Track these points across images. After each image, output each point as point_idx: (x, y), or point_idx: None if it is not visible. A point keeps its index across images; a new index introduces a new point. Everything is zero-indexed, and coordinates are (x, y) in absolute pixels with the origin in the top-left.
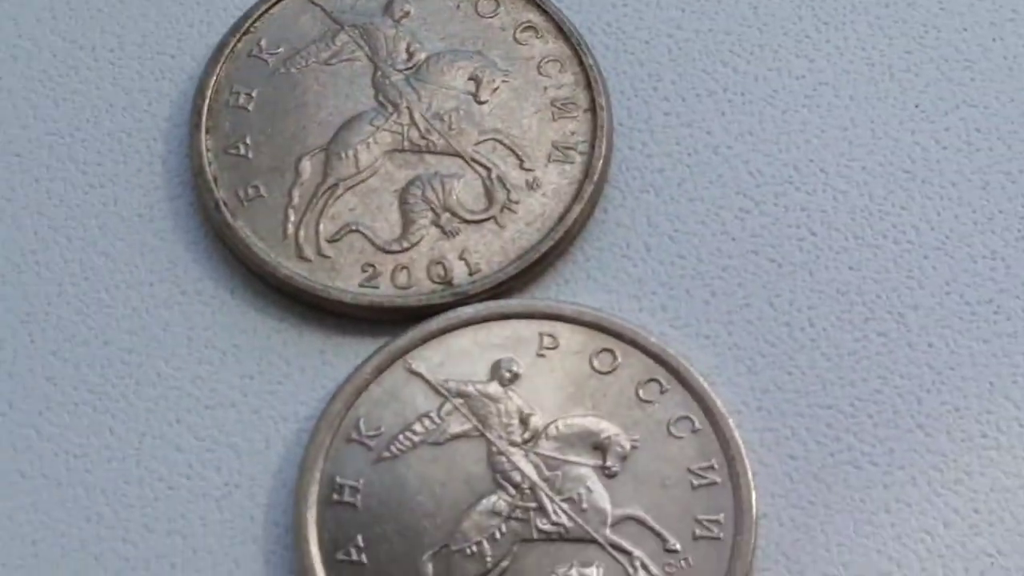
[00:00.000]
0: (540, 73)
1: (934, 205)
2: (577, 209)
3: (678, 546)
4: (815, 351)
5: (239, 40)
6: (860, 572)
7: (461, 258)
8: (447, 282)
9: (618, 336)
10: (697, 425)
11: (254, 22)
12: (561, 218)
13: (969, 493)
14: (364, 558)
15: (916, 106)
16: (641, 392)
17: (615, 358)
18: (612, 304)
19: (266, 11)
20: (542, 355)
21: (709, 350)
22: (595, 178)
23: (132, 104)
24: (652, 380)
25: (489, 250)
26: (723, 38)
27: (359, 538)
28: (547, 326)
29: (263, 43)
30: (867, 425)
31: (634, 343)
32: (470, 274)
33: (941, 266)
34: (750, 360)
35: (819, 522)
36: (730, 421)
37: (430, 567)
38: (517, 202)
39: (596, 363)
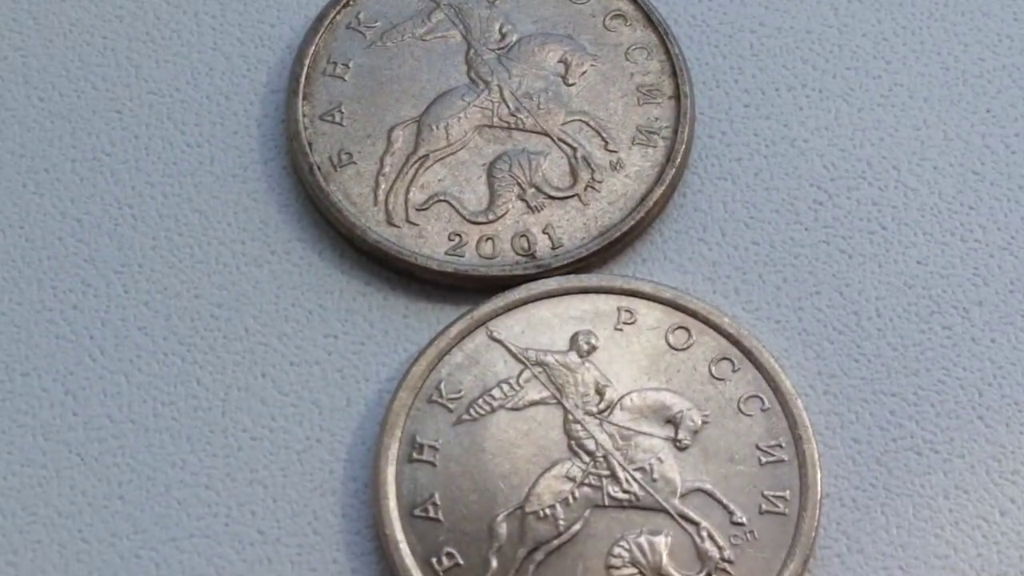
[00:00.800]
0: (627, 59)
1: (1001, 206)
2: (658, 191)
3: (744, 519)
4: (881, 340)
5: (339, 12)
6: (917, 554)
7: (544, 232)
8: (530, 254)
9: (693, 315)
10: (766, 404)
11: None
12: (643, 199)
13: None
14: (440, 515)
15: (987, 111)
16: (714, 370)
17: (690, 336)
18: (687, 285)
19: None
20: (620, 329)
21: (780, 334)
22: (676, 162)
23: (231, 69)
24: (725, 359)
25: (572, 226)
26: (804, 36)
27: (436, 496)
28: (625, 301)
29: (361, 16)
30: (929, 414)
31: (709, 322)
32: (552, 248)
33: (1006, 265)
34: (818, 345)
35: (879, 504)
36: (798, 402)
37: (504, 527)
38: (601, 181)
39: (671, 339)
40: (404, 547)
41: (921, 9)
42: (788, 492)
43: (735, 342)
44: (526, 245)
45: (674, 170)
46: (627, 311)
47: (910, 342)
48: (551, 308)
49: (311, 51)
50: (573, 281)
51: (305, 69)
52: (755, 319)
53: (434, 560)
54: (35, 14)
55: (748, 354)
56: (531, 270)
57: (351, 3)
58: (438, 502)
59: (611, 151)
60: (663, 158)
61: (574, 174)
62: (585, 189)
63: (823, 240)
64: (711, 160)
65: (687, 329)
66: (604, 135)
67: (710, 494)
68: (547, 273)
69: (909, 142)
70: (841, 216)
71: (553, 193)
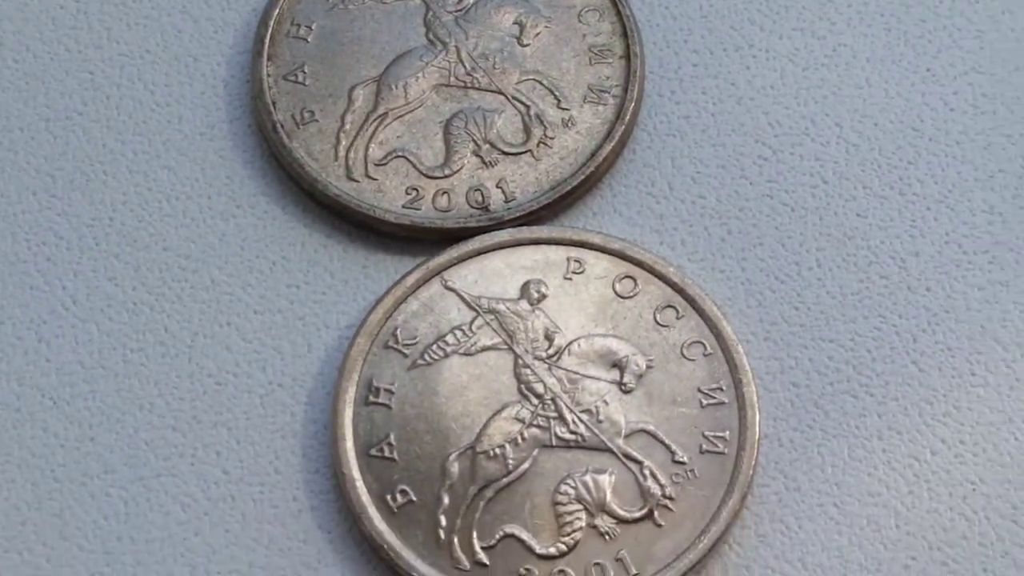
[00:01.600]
0: (580, 21)
1: (939, 161)
2: (608, 147)
3: (685, 458)
4: (821, 289)
5: None
6: (851, 492)
7: (498, 186)
8: (484, 207)
9: (640, 264)
10: (708, 350)
11: None
12: (592, 155)
13: (956, 425)
14: (395, 455)
15: (927, 70)
16: (658, 317)
17: (636, 284)
18: (636, 237)
19: None
20: (569, 279)
21: (723, 283)
22: (626, 120)
23: (199, 31)
24: (669, 306)
25: (524, 180)
26: None
27: (391, 436)
28: (575, 252)
29: None
30: (865, 359)
31: (654, 272)
32: (506, 201)
33: (942, 217)
34: (760, 294)
35: (816, 445)
36: (739, 348)
37: (456, 466)
38: (553, 138)
39: (618, 288)
40: (360, 485)
41: None
42: (727, 433)
43: (679, 290)
44: (480, 199)
45: (623, 127)
46: (576, 261)
47: (848, 291)
48: (503, 258)
49: (275, 13)
50: (524, 233)
51: (269, 31)
52: (700, 269)
53: (388, 497)
54: None
55: (692, 302)
56: (485, 222)
57: None
58: (393, 442)
59: (563, 109)
60: (613, 115)
61: (527, 131)
62: (538, 145)
63: (767, 194)
64: (660, 118)
65: (633, 278)
66: (556, 93)
67: (653, 435)
68: (500, 225)
69: (851, 100)
70: (784, 171)
71: (507, 149)
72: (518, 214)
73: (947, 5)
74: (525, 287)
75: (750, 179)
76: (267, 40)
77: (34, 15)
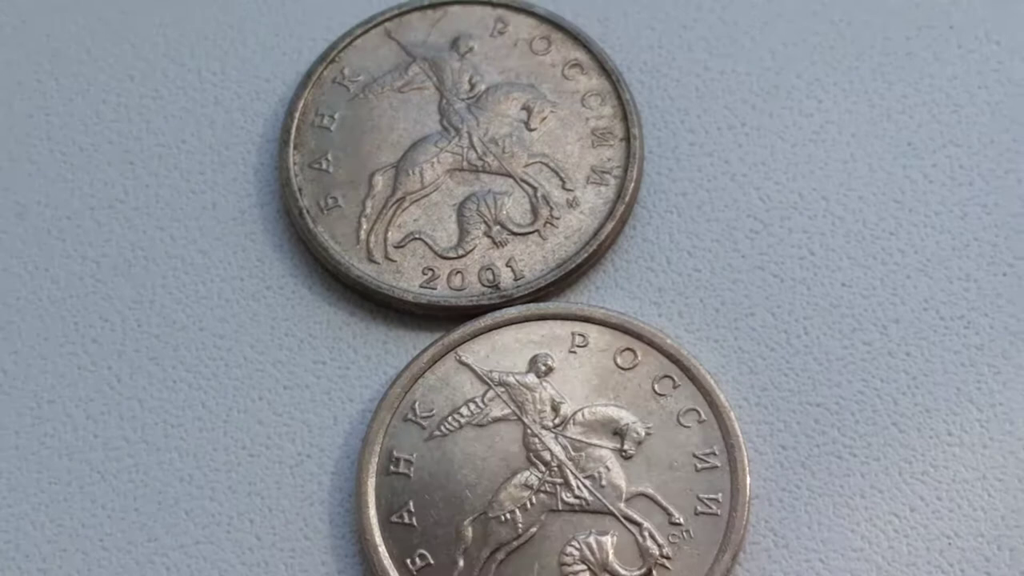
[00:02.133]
0: (583, 105)
1: (919, 232)
2: (609, 226)
3: (681, 520)
4: (808, 356)
5: (325, 68)
6: (836, 547)
7: (508, 265)
8: (495, 286)
9: (639, 337)
10: (703, 417)
11: (339, 52)
12: (595, 233)
13: (933, 483)
14: (414, 521)
15: (908, 144)
16: (656, 386)
17: (636, 356)
18: (636, 309)
19: (349, 43)
20: (573, 352)
21: (717, 352)
22: (627, 199)
23: (231, 121)
24: (666, 376)
25: (532, 259)
26: (744, 79)
27: (411, 504)
28: (578, 327)
29: (346, 71)
30: (849, 421)
31: (652, 343)
32: (515, 279)
33: (921, 285)
34: (752, 361)
35: (803, 504)
36: (732, 414)
37: (470, 530)
38: (558, 218)
39: (619, 360)
40: (382, 550)
41: (850, 51)
42: (720, 495)
43: (676, 361)
44: (491, 277)
45: (624, 206)
46: (580, 335)
47: (834, 357)
48: (512, 334)
49: (300, 104)
50: (532, 309)
51: (295, 121)
52: (696, 339)
53: (408, 561)
54: (57, 76)
55: (687, 372)
56: (496, 300)
57: (336, 59)
58: (412, 509)
59: (568, 190)
60: (614, 195)
61: (535, 212)
62: (544, 225)
63: (758, 266)
64: (658, 195)
65: (633, 350)
66: (562, 175)
67: (651, 498)
68: (510, 302)
69: (837, 174)
70: (774, 243)
71: (516, 229)
72: (526, 291)
73: (927, 82)
74: (533, 361)
75: (742, 252)
76: (293, 130)
77: (79, 109)
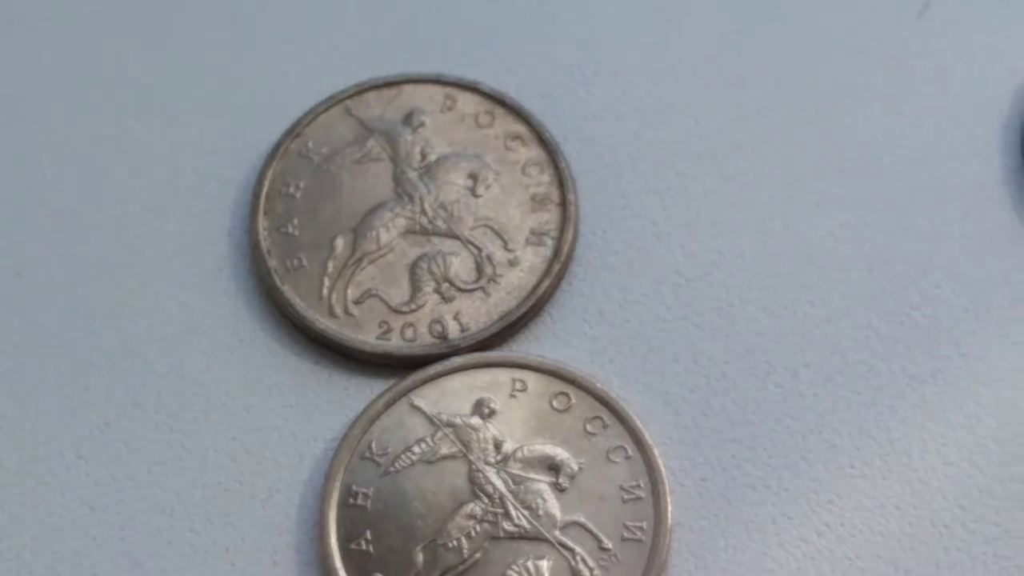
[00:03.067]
0: (524, 174)
1: (826, 285)
2: (547, 282)
3: (610, 545)
4: (726, 397)
5: (291, 142)
6: (751, 569)
7: (455, 319)
8: (443, 337)
9: (572, 382)
10: (630, 453)
11: (303, 128)
12: (534, 289)
13: (838, 511)
14: (371, 548)
15: (817, 205)
16: (588, 426)
17: (569, 400)
18: (571, 357)
19: (313, 119)
20: (514, 396)
21: (644, 394)
22: (562, 258)
23: (206, 189)
24: (597, 417)
25: (477, 313)
26: (670, 146)
27: (368, 532)
28: (518, 373)
29: (310, 144)
30: (763, 456)
31: (584, 388)
32: (462, 331)
33: (828, 334)
34: (675, 403)
35: (721, 530)
36: (655, 451)
37: (421, 556)
38: (501, 276)
39: (555, 403)
40: (343, 574)
41: (768, 120)
42: (645, 523)
43: (605, 403)
44: (440, 329)
45: (560, 264)
46: (520, 381)
47: (749, 398)
48: (459, 380)
49: (269, 174)
50: (477, 358)
51: (264, 189)
52: (625, 383)
53: None
54: (51, 149)
55: (616, 413)
56: (444, 350)
57: (301, 134)
58: (369, 537)
59: (509, 250)
60: (551, 254)
61: (479, 270)
62: (488, 282)
63: (681, 317)
64: (593, 254)
65: (567, 394)
66: (504, 237)
67: (583, 526)
68: (457, 352)
69: (754, 233)
70: (696, 297)
71: (462, 286)
72: (472, 342)
73: (835, 148)
74: (477, 404)
75: (668, 304)
76: (262, 197)
77: (73, 179)
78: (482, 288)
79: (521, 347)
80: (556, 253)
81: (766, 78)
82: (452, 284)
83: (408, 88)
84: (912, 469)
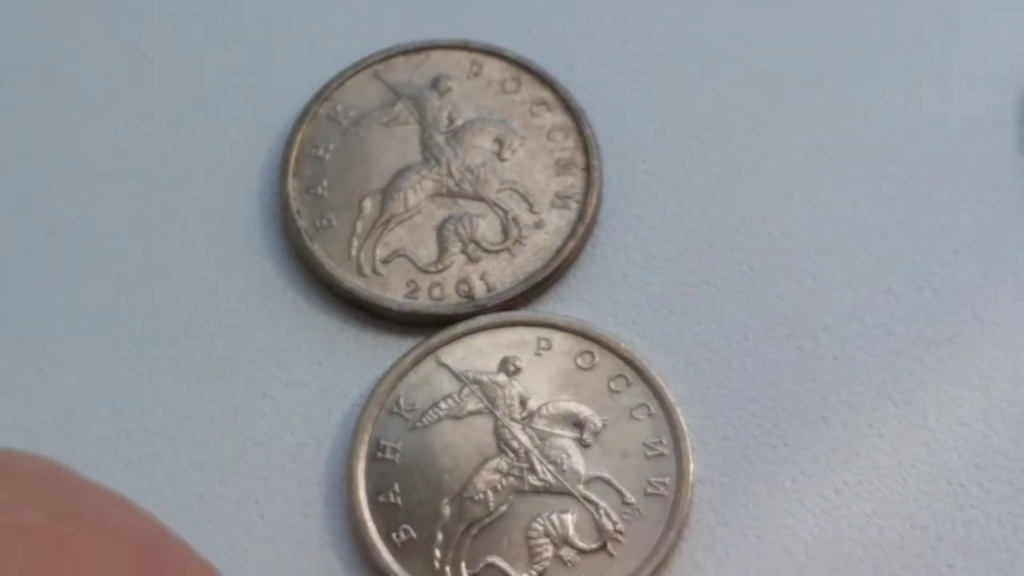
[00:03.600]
0: (549, 139)
1: (846, 251)
2: (571, 244)
3: (633, 500)
4: (747, 359)
5: (320, 106)
6: (769, 525)
7: (482, 279)
8: (470, 297)
9: (596, 341)
10: (652, 411)
11: (332, 92)
12: (559, 251)
13: (856, 469)
14: (399, 501)
15: (837, 175)
16: (612, 384)
17: (594, 358)
18: (594, 318)
19: (341, 84)
20: (539, 354)
21: (666, 355)
22: (586, 221)
23: (238, 154)
24: (620, 376)
25: (503, 273)
26: (693, 118)
27: (396, 486)
28: (544, 332)
29: (338, 108)
30: (783, 416)
31: (608, 347)
32: (488, 291)
33: (846, 299)
34: (697, 364)
35: (741, 487)
36: (678, 409)
37: (448, 509)
38: (526, 237)
39: (579, 362)
40: (371, 526)
41: (788, 93)
42: (668, 479)
43: (629, 362)
44: (467, 289)
45: (584, 227)
46: (545, 340)
47: (769, 360)
48: (486, 339)
49: (299, 137)
50: (504, 317)
51: (294, 152)
52: (648, 344)
53: (393, 535)
54: (86, 117)
55: (639, 372)
56: (471, 309)
57: (330, 98)
58: (397, 491)
59: (535, 213)
60: (576, 217)
61: (505, 232)
62: (514, 244)
63: (704, 280)
64: (616, 218)
65: (591, 353)
66: (529, 200)
67: (607, 481)
68: (483, 311)
69: (775, 201)
70: (718, 261)
71: (488, 247)
72: (498, 301)
73: (855, 120)
74: (503, 362)
75: (690, 268)
76: (292, 160)
77: (105, 144)
78: (508, 249)
79: (546, 308)
80: (580, 216)
81: (789, 51)
82: (478, 245)
83: (436, 54)
84: (928, 430)
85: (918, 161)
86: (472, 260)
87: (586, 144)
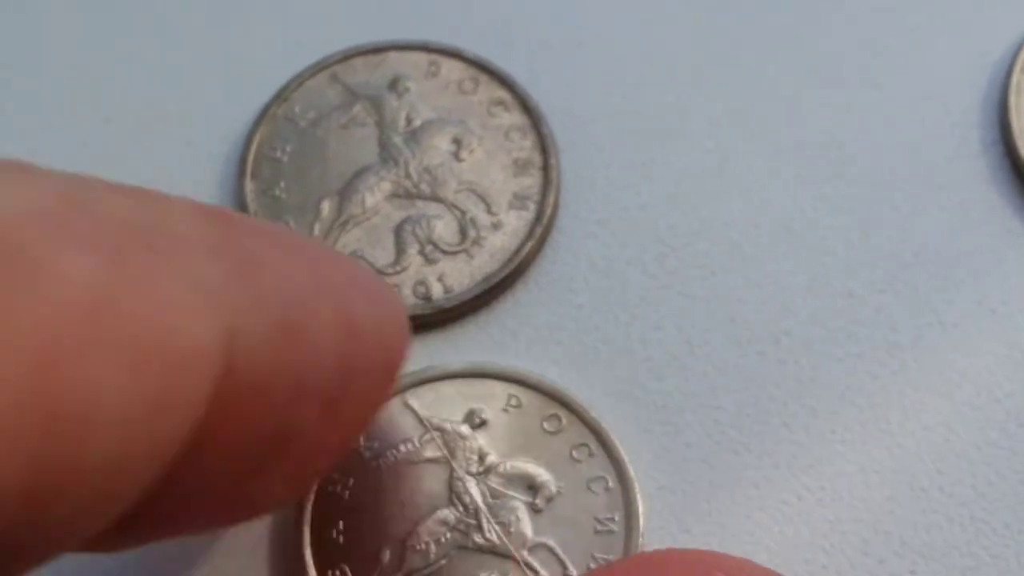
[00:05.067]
0: (506, 139)
1: (807, 254)
2: (529, 245)
3: (575, 573)
4: (708, 364)
5: (278, 107)
6: (733, 532)
7: (439, 280)
8: (428, 298)
9: (566, 406)
10: (610, 485)
11: (291, 93)
12: (517, 251)
13: (817, 475)
14: (341, 539)
15: (797, 177)
16: (574, 453)
17: (560, 423)
18: (555, 324)
19: (300, 85)
20: (507, 410)
21: (628, 360)
22: (544, 222)
23: (197, 156)
24: (584, 445)
25: (461, 275)
26: (652, 120)
27: (340, 523)
28: (515, 389)
29: (296, 109)
30: (745, 422)
31: (577, 414)
32: (445, 292)
33: (808, 302)
34: (658, 369)
35: (704, 494)
36: (636, 486)
37: (388, 554)
38: (484, 238)
39: (546, 425)
40: (309, 560)
41: (746, 96)
42: (613, 556)
43: (595, 433)
44: (424, 291)
45: (542, 228)
46: (515, 397)
47: (731, 365)
48: (456, 387)
49: (256, 139)
50: (477, 367)
51: (252, 154)
52: (610, 350)
53: (330, 572)
54: (47, 119)
55: (604, 444)
56: (428, 310)
57: (288, 99)
58: (341, 528)
59: (493, 214)
60: (534, 218)
61: (463, 233)
62: (472, 245)
63: (665, 285)
64: (577, 223)
65: (559, 417)
66: (487, 201)
67: (552, 550)
68: (441, 313)
69: (735, 204)
70: (680, 266)
71: (446, 249)
72: (456, 303)
73: (814, 123)
74: (470, 413)
75: (651, 273)
76: (249, 161)
77: (65, 146)
78: (466, 251)
79: (505, 310)
80: (538, 216)
81: (746, 53)
82: (436, 246)
83: (393, 55)
84: (891, 434)
85: (878, 164)
86: (430, 261)
87: (544, 144)
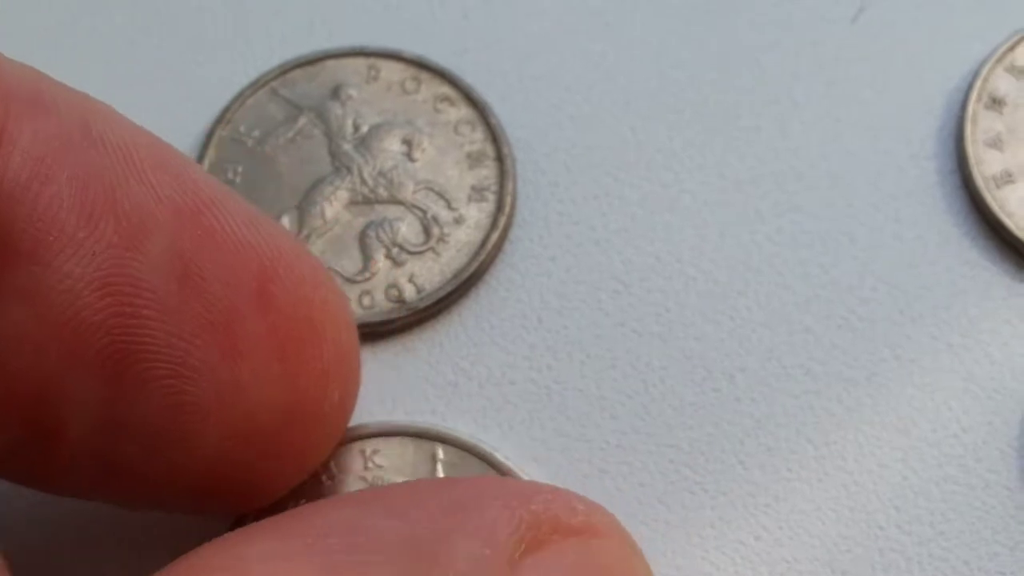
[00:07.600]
0: (456, 133)
1: (764, 290)
2: (495, 235)
3: (458, 207)
4: (663, 402)
5: (222, 129)
6: (688, 573)
7: (410, 281)
8: (401, 300)
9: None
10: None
11: (233, 113)
12: (483, 243)
13: (775, 514)
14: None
15: (755, 211)
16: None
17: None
18: (505, 363)
19: (241, 104)
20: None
21: (581, 399)
22: (506, 211)
23: None
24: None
25: (431, 273)
26: (607, 153)
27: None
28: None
29: (242, 129)
30: (700, 460)
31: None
32: (418, 292)
33: (764, 339)
34: (612, 408)
35: (660, 535)
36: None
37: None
38: (448, 235)
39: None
40: None
41: (705, 127)
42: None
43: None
44: (397, 294)
45: (504, 217)
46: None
47: (687, 403)
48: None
49: (205, 163)
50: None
51: None
52: (562, 387)
53: None
54: None
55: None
56: (403, 313)
57: (231, 120)
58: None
59: (453, 209)
60: (495, 208)
61: (427, 232)
62: (437, 242)
63: (619, 322)
64: (529, 260)
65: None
66: (446, 197)
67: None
68: (417, 313)
69: (691, 239)
70: (634, 302)
71: (412, 249)
72: (429, 301)
73: (772, 154)
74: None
75: (606, 310)
76: None
77: None
78: (432, 248)
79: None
80: (499, 206)
81: (702, 84)
82: (402, 248)
83: (331, 63)
84: (847, 472)
85: (836, 197)
86: (398, 264)
87: (494, 134)
